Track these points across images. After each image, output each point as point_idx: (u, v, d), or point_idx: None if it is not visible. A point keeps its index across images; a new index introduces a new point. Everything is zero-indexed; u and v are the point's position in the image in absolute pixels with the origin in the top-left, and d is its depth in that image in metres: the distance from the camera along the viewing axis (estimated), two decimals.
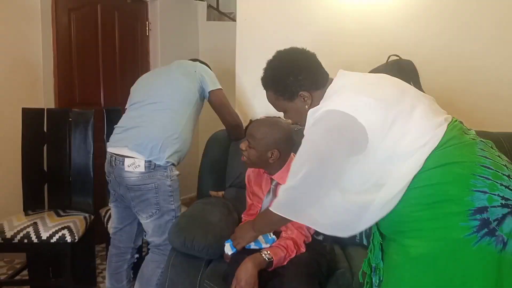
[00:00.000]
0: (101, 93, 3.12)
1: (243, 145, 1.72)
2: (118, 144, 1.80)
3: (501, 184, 1.03)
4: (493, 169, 1.05)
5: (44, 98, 2.72)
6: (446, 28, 2.29)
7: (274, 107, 1.35)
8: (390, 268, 1.16)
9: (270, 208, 1.30)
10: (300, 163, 1.21)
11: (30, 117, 2.37)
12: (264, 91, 1.37)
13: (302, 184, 1.19)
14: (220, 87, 1.97)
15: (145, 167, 1.72)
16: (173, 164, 1.81)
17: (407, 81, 1.36)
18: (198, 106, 1.93)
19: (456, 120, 1.19)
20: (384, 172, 1.13)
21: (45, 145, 2.38)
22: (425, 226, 1.07)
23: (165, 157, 1.75)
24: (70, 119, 2.38)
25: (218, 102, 1.97)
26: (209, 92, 1.93)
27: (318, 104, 1.23)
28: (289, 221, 1.32)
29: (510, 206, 1.01)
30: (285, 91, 1.28)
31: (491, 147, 1.16)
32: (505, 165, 1.09)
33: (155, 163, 1.73)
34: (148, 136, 1.75)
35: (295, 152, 1.26)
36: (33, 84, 2.70)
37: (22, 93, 2.67)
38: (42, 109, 2.40)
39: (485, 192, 1.03)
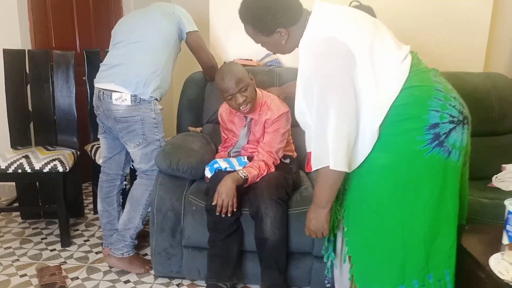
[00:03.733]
0: (76, 37, 3.17)
1: (239, 98, 1.81)
2: (104, 80, 1.95)
3: (450, 104, 1.25)
4: (443, 92, 1.27)
5: (21, 41, 2.77)
6: None
7: (252, 39, 1.41)
8: (355, 178, 1.33)
9: (331, 168, 1.23)
10: (321, 109, 1.23)
11: (11, 58, 2.45)
12: (238, 30, 1.43)
13: (339, 124, 1.21)
14: (197, 29, 2.11)
15: (131, 100, 1.89)
16: (156, 99, 1.99)
17: None
18: (176, 46, 2.06)
19: (413, 51, 1.36)
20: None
21: (28, 85, 2.49)
22: (388, 141, 1.25)
23: (149, 92, 1.92)
24: (52, 63, 2.48)
25: (195, 44, 2.11)
26: (186, 33, 2.06)
27: (295, 38, 1.34)
28: (343, 175, 1.28)
29: (455, 122, 1.24)
30: (264, 28, 1.34)
31: (440, 74, 1.37)
32: (451, 89, 1.32)
33: (140, 97, 1.90)
34: (132, 73, 1.91)
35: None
36: (8, 27, 2.74)
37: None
38: (23, 50, 2.48)
39: (438, 111, 1.22)
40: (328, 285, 1.76)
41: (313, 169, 1.30)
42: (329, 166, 1.24)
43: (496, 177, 2.14)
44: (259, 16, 1.33)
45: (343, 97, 1.22)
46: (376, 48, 1.25)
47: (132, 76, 1.90)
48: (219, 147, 2.19)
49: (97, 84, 1.97)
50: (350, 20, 1.29)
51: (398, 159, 1.25)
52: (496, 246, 1.36)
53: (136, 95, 1.89)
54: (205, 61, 2.20)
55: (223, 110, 2.09)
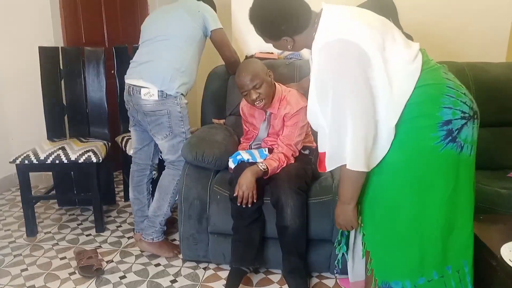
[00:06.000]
0: (105, 33, 3.31)
1: (254, 95, 1.89)
2: (134, 76, 2.07)
3: (461, 101, 1.27)
4: (454, 89, 1.29)
5: (54, 38, 2.93)
6: None
7: (262, 38, 1.45)
8: (371, 175, 1.34)
9: (348, 167, 1.27)
10: (338, 110, 1.26)
11: (47, 54, 2.61)
12: None
13: (357, 125, 1.24)
14: (221, 26, 2.18)
15: (158, 96, 2.00)
16: (182, 94, 2.09)
17: (387, 17, 1.48)
18: (201, 43, 2.15)
19: (422, 49, 1.38)
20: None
21: (62, 80, 2.64)
22: (402, 138, 1.27)
23: (175, 87, 2.02)
24: (83, 58, 2.62)
25: (219, 40, 2.19)
26: (211, 31, 2.15)
27: (302, 44, 1.39)
28: (365, 173, 1.30)
29: (466, 117, 1.27)
30: (270, 35, 1.39)
31: (448, 71, 1.39)
32: (461, 85, 1.34)
33: (166, 93, 2.01)
34: (159, 69, 2.01)
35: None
36: (42, 25, 2.90)
37: (34, 32, 2.88)
38: (57, 48, 2.63)
39: (450, 108, 1.24)
40: (337, 274, 1.86)
41: (328, 169, 1.35)
42: (345, 165, 1.28)
43: None
44: (264, 26, 1.38)
45: (360, 97, 1.23)
46: (388, 48, 1.27)
47: (159, 72, 2.00)
48: (241, 139, 2.28)
49: (127, 80, 2.09)
50: (361, 21, 1.30)
51: (412, 155, 1.28)
52: (510, 236, 1.41)
53: (162, 91, 2.00)
54: (228, 56, 2.28)
55: (244, 104, 2.18)
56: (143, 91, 2.00)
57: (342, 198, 1.39)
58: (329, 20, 1.30)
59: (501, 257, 1.29)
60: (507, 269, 1.25)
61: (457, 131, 1.25)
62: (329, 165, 1.34)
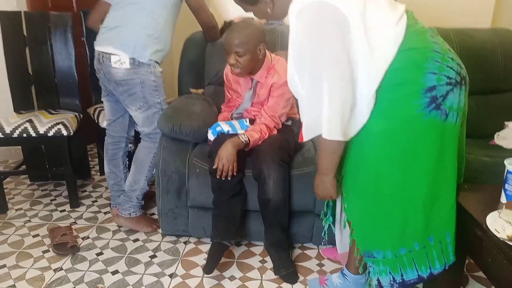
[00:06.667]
0: None
1: (231, 59, 1.77)
2: (103, 43, 1.92)
3: (447, 66, 1.22)
4: (441, 53, 1.23)
5: (17, 1, 2.70)
6: None
7: (241, 7, 1.40)
8: (353, 144, 1.31)
9: (324, 137, 1.23)
10: (314, 78, 1.21)
11: (8, 20, 2.40)
12: None
13: (333, 93, 1.18)
14: None
15: (129, 63, 1.87)
16: (156, 62, 1.96)
17: None
18: (176, 7, 2.00)
19: (408, 10, 1.31)
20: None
21: (27, 48, 2.46)
22: (385, 106, 1.23)
23: (147, 55, 1.89)
24: (49, 24, 2.43)
25: (196, 5, 2.04)
26: None
27: (281, 8, 1.30)
28: (343, 143, 1.26)
29: (453, 83, 1.21)
30: None
31: (437, 34, 1.32)
32: (449, 49, 1.28)
33: (138, 61, 1.88)
34: (129, 35, 1.87)
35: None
36: None
37: None
38: (19, 12, 2.43)
39: (435, 73, 1.19)
40: (324, 246, 1.87)
41: (305, 139, 1.31)
42: (321, 135, 1.23)
43: (498, 135, 2.14)
44: None
45: (337, 65, 1.18)
46: (369, 8, 1.19)
47: (129, 39, 1.87)
48: (222, 106, 2.18)
49: (97, 47, 1.95)
50: None
51: (395, 124, 1.24)
52: (494, 205, 1.38)
53: (134, 58, 1.87)
54: (206, 21, 2.15)
55: (229, 70, 2.06)
56: (113, 58, 1.87)
57: (320, 169, 1.35)
58: None
59: (486, 226, 1.27)
60: (492, 238, 1.23)
61: (442, 97, 1.20)
62: (306, 135, 1.30)
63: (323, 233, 1.65)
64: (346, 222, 1.48)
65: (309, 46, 1.21)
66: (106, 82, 1.98)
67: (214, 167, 1.74)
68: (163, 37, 1.95)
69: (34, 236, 2.10)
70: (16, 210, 2.36)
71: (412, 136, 1.23)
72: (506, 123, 2.18)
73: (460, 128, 1.30)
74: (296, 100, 1.73)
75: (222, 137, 1.84)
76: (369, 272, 1.43)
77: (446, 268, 1.36)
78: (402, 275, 1.35)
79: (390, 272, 1.35)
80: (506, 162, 1.38)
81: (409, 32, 1.22)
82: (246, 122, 1.97)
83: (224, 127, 1.91)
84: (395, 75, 1.20)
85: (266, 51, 1.92)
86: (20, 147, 2.67)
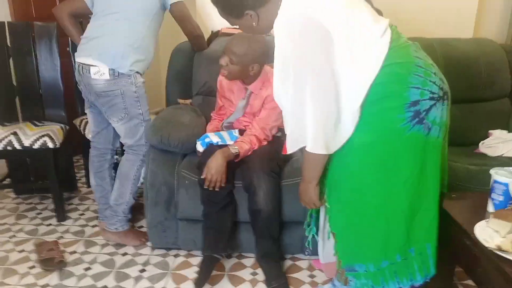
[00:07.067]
0: None
1: (223, 61, 1.78)
2: (83, 53, 1.90)
3: (430, 81, 1.23)
4: (424, 68, 1.24)
5: (0, 12, 2.66)
6: None
7: (226, 20, 1.35)
8: (336, 157, 1.30)
9: (308, 150, 1.25)
10: (298, 92, 1.21)
11: None
12: None
13: (317, 108, 1.19)
14: None
15: (109, 74, 1.84)
16: (137, 72, 1.93)
17: None
18: (158, 17, 1.98)
19: (392, 25, 1.31)
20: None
21: (11, 59, 2.42)
22: (368, 120, 1.22)
23: (127, 65, 1.86)
24: (33, 34, 2.40)
25: (179, 14, 2.02)
26: (170, 4, 1.98)
27: (267, 21, 1.28)
28: (327, 156, 1.27)
29: (435, 98, 1.22)
30: (232, 11, 1.28)
31: (420, 49, 1.33)
32: (432, 64, 1.29)
33: (118, 71, 1.85)
34: (109, 46, 1.85)
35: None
36: None
37: None
38: (3, 23, 2.39)
39: (418, 88, 1.19)
40: (308, 256, 1.89)
41: (289, 152, 1.32)
42: (305, 147, 1.24)
43: (483, 143, 2.19)
44: None
45: (321, 78, 1.18)
46: (352, 23, 1.20)
47: (109, 49, 1.85)
48: (212, 114, 2.16)
49: (77, 58, 1.92)
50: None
51: (378, 138, 1.24)
52: (481, 214, 1.40)
53: (114, 69, 1.85)
54: (191, 31, 2.14)
55: (224, 78, 2.06)
56: (92, 69, 1.85)
57: (304, 178, 1.39)
58: None
59: (474, 236, 1.28)
60: (481, 247, 1.25)
61: (425, 112, 1.21)
62: (290, 147, 1.32)
63: (307, 243, 1.65)
64: (330, 233, 1.49)
65: (293, 58, 1.22)
66: (87, 94, 1.96)
67: (202, 177, 1.73)
68: (145, 46, 1.93)
69: (19, 252, 2.05)
70: (1, 224, 2.30)
71: (395, 150, 1.24)
72: (490, 131, 2.23)
73: (442, 141, 1.32)
74: None
75: (212, 148, 1.84)
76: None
77: (428, 280, 1.36)
78: None
79: (372, 286, 1.35)
80: (492, 171, 1.40)
81: (393, 46, 1.23)
82: (235, 133, 1.97)
83: (213, 138, 1.91)
84: (379, 89, 1.21)
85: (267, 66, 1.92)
86: (3, 160, 2.62)
